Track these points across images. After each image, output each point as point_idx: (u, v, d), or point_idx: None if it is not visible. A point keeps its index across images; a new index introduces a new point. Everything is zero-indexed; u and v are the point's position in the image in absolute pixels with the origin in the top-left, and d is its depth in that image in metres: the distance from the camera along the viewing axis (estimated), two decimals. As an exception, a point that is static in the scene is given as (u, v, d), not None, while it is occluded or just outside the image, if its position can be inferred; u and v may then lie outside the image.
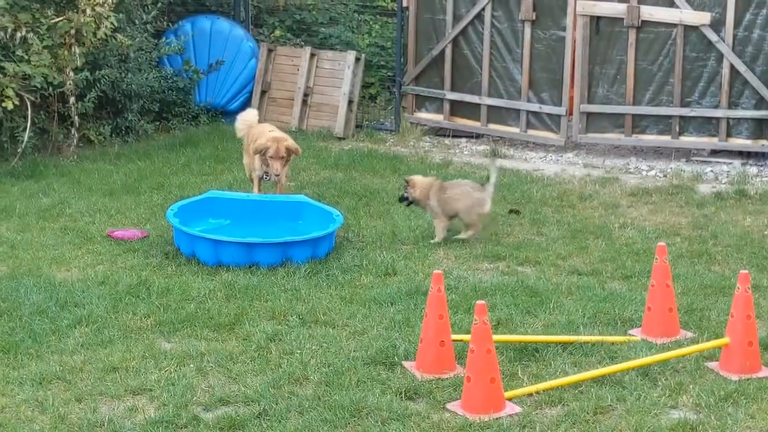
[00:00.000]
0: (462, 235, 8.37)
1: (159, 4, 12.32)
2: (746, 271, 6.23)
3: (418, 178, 8.53)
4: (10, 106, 10.29)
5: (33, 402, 5.76)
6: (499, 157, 11.33)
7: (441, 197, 8.36)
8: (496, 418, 5.61)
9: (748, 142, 11.03)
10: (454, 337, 6.22)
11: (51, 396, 5.81)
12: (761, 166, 10.87)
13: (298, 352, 6.35)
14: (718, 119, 11.06)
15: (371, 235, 8.55)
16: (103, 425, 5.53)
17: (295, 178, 10.19)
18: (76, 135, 11.20)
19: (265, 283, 7.41)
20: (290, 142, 8.57)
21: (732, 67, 10.91)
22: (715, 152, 11.26)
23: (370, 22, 14.03)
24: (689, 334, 6.70)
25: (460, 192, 8.38)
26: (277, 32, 13.40)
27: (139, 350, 6.35)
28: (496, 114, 11.92)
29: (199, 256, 7.82)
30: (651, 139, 11.34)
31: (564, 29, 11.43)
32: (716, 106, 11.06)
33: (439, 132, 12.37)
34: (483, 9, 11.75)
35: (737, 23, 10.87)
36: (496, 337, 6.02)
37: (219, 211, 8.55)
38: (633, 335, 6.66)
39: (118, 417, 5.62)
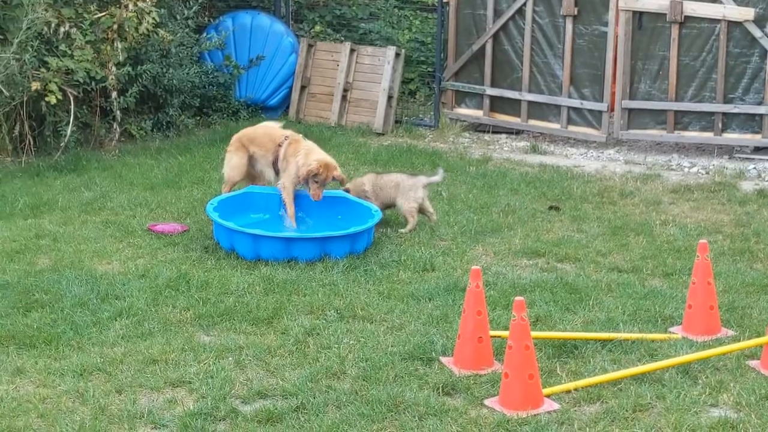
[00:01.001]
0: (403, 230, 8.54)
1: (200, 0, 12.39)
2: (789, 269, 6.17)
3: (352, 182, 8.78)
4: (53, 100, 10.40)
5: (74, 393, 5.83)
6: (539, 153, 11.32)
7: (375, 183, 8.66)
8: (534, 415, 5.60)
9: (793, 139, 10.91)
10: (492, 333, 6.21)
11: (92, 387, 5.87)
12: (806, 163, 10.76)
13: (336, 346, 6.38)
14: (761, 116, 10.95)
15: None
16: (143, 417, 5.58)
17: (335, 174, 10.22)
18: (118, 129, 11.30)
19: (304, 278, 7.44)
20: (338, 171, 8.33)
21: (776, 63, 10.80)
22: (758, 149, 11.14)
23: (410, 18, 14.02)
24: (730, 332, 6.65)
25: (393, 179, 8.67)
26: (317, 27, 13.44)
27: (178, 343, 6.40)
28: (537, 110, 11.88)
29: (239, 251, 7.86)
30: (693, 135, 11.25)
31: (606, 24, 11.36)
32: (760, 103, 10.94)
33: (478, 128, 12.34)
34: (524, 4, 11.70)
35: (782, 19, 10.76)
36: (534, 334, 6.00)
37: (258, 206, 8.58)
38: (673, 333, 6.62)
39: (157, 409, 5.67)
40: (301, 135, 8.65)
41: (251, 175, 8.74)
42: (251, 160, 8.66)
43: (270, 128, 8.82)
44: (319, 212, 8.50)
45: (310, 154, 8.32)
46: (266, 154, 8.56)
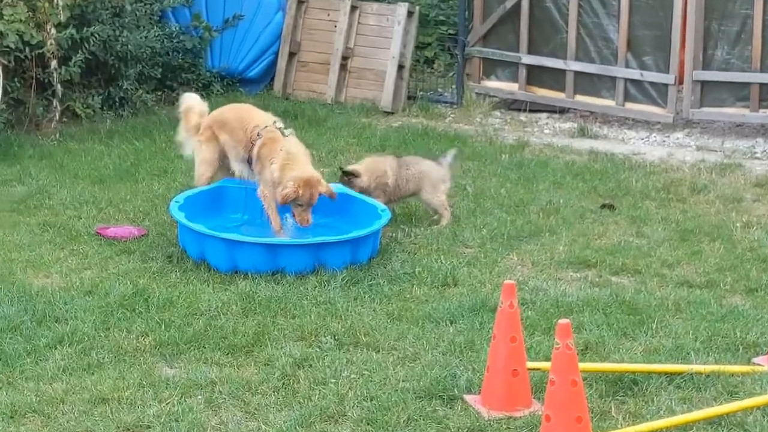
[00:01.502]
0: (441, 224, 8.73)
1: (162, -56, 12.42)
2: None
3: (358, 166, 8.82)
4: (-23, 71, 10.42)
5: (3, 440, 5.83)
6: (589, 137, 11.33)
7: (402, 174, 8.79)
8: (583, 468, 5.58)
9: None
10: (530, 364, 6.20)
11: (25, 433, 5.88)
12: None
13: (333, 381, 6.37)
14: None
15: (426, 235, 8.56)
16: (90, 470, 5.59)
17: (331, 163, 10.22)
18: (59, 108, 11.30)
19: (292, 295, 7.44)
20: (324, 186, 8.16)
21: None
22: None
23: (427, -33, 14.03)
24: (831, 364, 6.63)
25: (418, 169, 8.82)
26: (310, -21, 13.44)
27: (134, 377, 6.40)
28: (586, 83, 11.86)
29: (211, 260, 7.87)
30: (783, 114, 11.25)
31: (673, -25, 11.37)
32: None
33: (512, 105, 12.33)
34: (569, -51, 11.72)
35: None
36: (583, 366, 5.98)
37: (236, 204, 8.58)
38: (758, 364, 6.60)
39: (107, 460, 5.67)
40: (278, 130, 8.37)
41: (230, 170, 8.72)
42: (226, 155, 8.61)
43: (244, 110, 8.69)
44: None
45: (285, 168, 8.07)
46: (237, 147, 8.45)
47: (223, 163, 8.66)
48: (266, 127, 8.37)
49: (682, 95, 11.57)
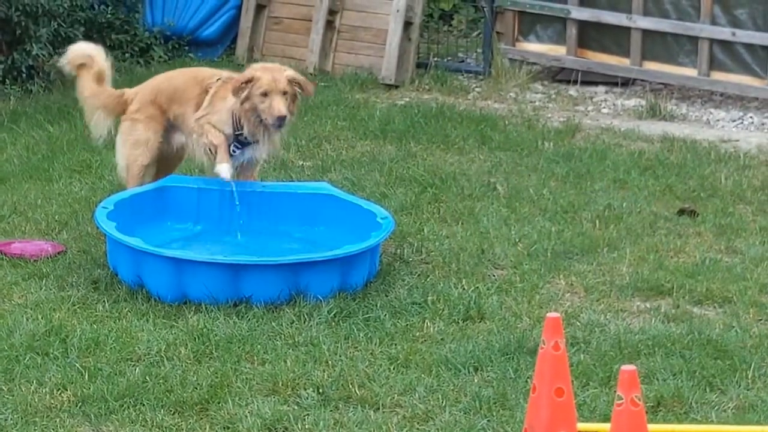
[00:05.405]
0: None
1: None
2: None
3: None
4: None
5: None
6: (662, 119, 11.34)
7: None
8: None
9: None
10: (582, 426, 6.20)
11: None
12: None
13: (317, 449, 6.39)
14: None
15: (442, 252, 8.59)
16: None
17: (314, 155, 10.22)
18: (-54, 80, 11.35)
19: (261, 334, 7.44)
20: (291, 71, 8.33)
21: None
22: None
23: None
24: None
25: None
26: None
27: (48, 445, 6.41)
28: (658, 45, 11.86)
29: (151, 287, 7.89)
30: None
31: None
32: None
33: (558, 76, 12.34)
34: None
35: None
36: (654, 428, 5.99)
37: (184, 210, 8.63)
38: None
39: None
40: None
41: (170, 158, 8.77)
42: (171, 131, 8.67)
43: (196, 70, 8.86)
44: (284, 219, 8.57)
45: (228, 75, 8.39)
46: (190, 110, 8.47)
47: (163, 152, 8.70)
48: (229, 75, 8.52)
49: (789, 61, 11.61)
